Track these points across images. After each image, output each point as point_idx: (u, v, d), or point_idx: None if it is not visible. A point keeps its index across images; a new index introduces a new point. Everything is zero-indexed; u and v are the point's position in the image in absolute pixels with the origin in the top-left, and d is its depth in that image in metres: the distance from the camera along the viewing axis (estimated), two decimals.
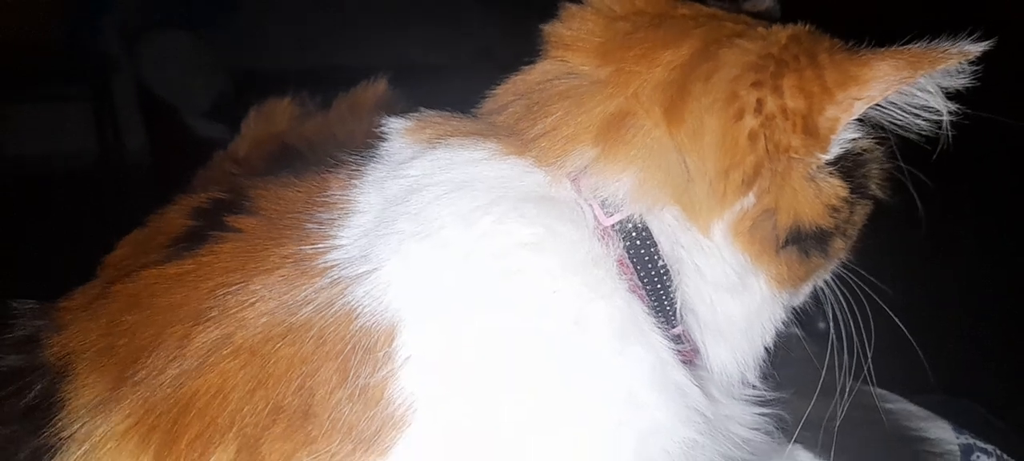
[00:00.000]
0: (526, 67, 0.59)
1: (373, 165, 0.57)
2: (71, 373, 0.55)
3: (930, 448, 0.84)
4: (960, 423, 0.86)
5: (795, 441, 0.70)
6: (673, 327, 0.55)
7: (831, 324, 0.57)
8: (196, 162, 0.70)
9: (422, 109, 0.59)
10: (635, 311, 0.52)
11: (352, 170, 0.57)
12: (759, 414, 0.57)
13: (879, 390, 0.74)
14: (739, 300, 0.55)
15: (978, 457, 0.83)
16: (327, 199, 0.56)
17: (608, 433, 0.49)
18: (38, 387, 0.56)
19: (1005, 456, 0.84)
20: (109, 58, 1.21)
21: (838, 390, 0.58)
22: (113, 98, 1.27)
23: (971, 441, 0.85)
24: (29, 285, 0.60)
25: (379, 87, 0.72)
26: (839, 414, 0.58)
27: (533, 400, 0.49)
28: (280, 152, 0.65)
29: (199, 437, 0.49)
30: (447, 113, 0.59)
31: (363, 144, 0.62)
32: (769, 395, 0.58)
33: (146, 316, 0.55)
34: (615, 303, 0.51)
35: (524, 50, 0.60)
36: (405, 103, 0.70)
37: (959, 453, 0.84)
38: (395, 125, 0.58)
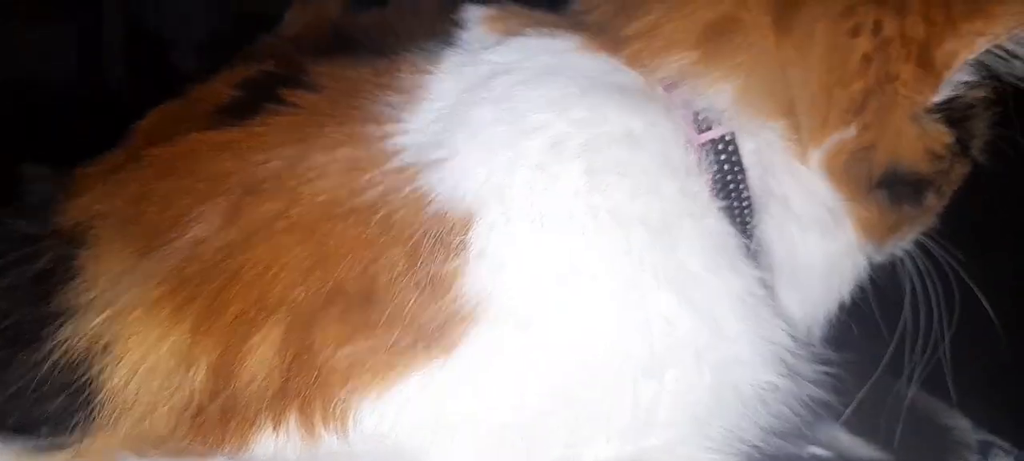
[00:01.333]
0: None
1: (450, 51, 0.53)
2: (91, 240, 0.50)
3: (953, 437, 0.83)
4: (976, 421, 0.85)
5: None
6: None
7: (908, 301, 0.54)
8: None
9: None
10: (728, 234, 0.48)
11: (426, 55, 0.53)
12: (823, 372, 0.54)
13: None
14: (824, 241, 0.52)
15: (997, 453, 0.82)
16: (398, 82, 0.52)
17: (686, 363, 0.46)
18: (50, 254, 0.50)
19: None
20: None
21: (906, 374, 0.55)
22: (101, 23, 1.20)
23: (989, 438, 0.84)
24: None
25: None
26: (908, 432, 0.55)
27: (613, 310, 0.46)
28: (335, 39, 0.60)
29: (244, 314, 0.45)
30: (530, 9, 0.55)
31: (427, 40, 0.58)
32: (831, 355, 0.55)
33: (185, 184, 0.50)
34: (710, 221, 0.48)
35: None
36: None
37: (977, 448, 0.83)
38: (475, 13, 0.54)
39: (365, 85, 0.53)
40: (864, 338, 0.61)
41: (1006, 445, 0.83)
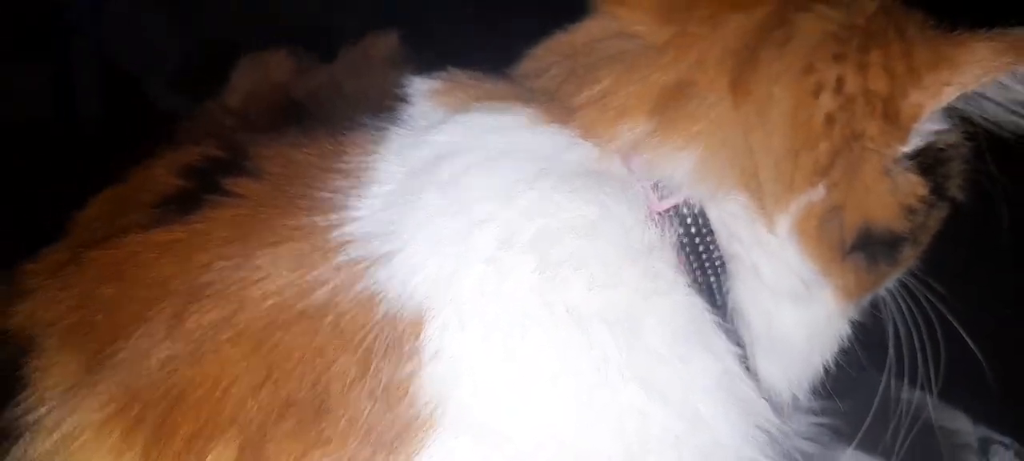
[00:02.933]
0: (570, 26, 0.54)
1: (395, 130, 0.52)
2: (38, 348, 0.50)
3: (954, 439, 0.83)
4: (974, 415, 0.85)
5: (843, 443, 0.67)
6: (726, 321, 0.51)
7: (891, 339, 0.53)
8: (156, 136, 0.63)
9: (449, 68, 0.54)
10: (696, 307, 0.47)
11: (371, 134, 0.52)
12: (815, 424, 0.54)
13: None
14: (801, 313, 0.50)
15: (997, 449, 0.83)
16: (343, 165, 0.51)
17: (665, 455, 0.45)
18: None
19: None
20: (71, 21, 1.13)
21: (896, 408, 0.54)
22: (72, 63, 1.18)
23: (988, 433, 0.84)
24: None
25: (390, 40, 0.66)
26: (903, 437, 0.55)
27: (580, 411, 0.45)
28: (284, 105, 0.59)
29: (196, 435, 0.44)
30: (478, 74, 0.54)
31: (376, 102, 0.56)
32: (824, 405, 0.54)
33: (128, 289, 0.49)
34: (675, 300, 0.47)
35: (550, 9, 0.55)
36: (418, 62, 0.64)
37: (977, 445, 0.83)
38: (420, 86, 0.53)
39: (310, 169, 0.52)
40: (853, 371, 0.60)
41: (1006, 440, 0.83)
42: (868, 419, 0.59)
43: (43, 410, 0.48)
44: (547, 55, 0.54)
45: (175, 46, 1.14)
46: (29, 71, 1.13)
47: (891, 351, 0.55)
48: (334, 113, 0.56)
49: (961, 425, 0.80)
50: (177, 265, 0.49)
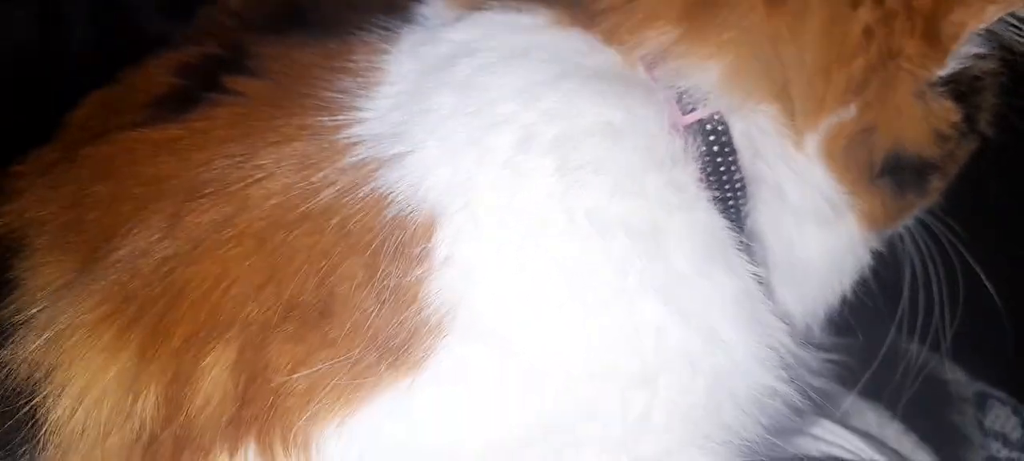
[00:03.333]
0: None
1: (408, 28, 0.49)
2: (27, 248, 0.48)
3: (951, 390, 0.82)
4: (971, 371, 0.85)
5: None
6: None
7: (907, 280, 0.51)
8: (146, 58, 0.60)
9: None
10: (720, 228, 0.46)
11: (382, 33, 0.49)
12: (827, 360, 0.52)
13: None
14: (823, 237, 0.49)
15: (993, 404, 0.82)
16: (351, 64, 0.48)
17: (679, 371, 0.44)
18: None
19: (1021, 406, 0.83)
20: None
21: (908, 356, 0.53)
22: None
23: (985, 388, 0.84)
24: None
25: None
26: (907, 387, 0.54)
27: (596, 322, 0.43)
28: (283, 9, 0.56)
29: (194, 335, 0.42)
30: None
31: (384, 9, 0.54)
32: (836, 340, 0.53)
33: (123, 187, 0.47)
34: (699, 215, 0.45)
35: None
36: None
37: (974, 399, 0.83)
38: None
39: (316, 69, 0.49)
40: (864, 313, 0.59)
41: (1002, 395, 0.82)
42: (874, 365, 0.57)
43: (34, 310, 0.46)
44: None
45: None
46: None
47: (906, 293, 0.53)
48: (340, 18, 0.54)
49: (959, 377, 0.79)
50: (175, 163, 0.47)
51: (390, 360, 0.43)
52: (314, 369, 0.42)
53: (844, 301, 0.55)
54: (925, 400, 0.77)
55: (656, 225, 0.43)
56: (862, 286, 0.56)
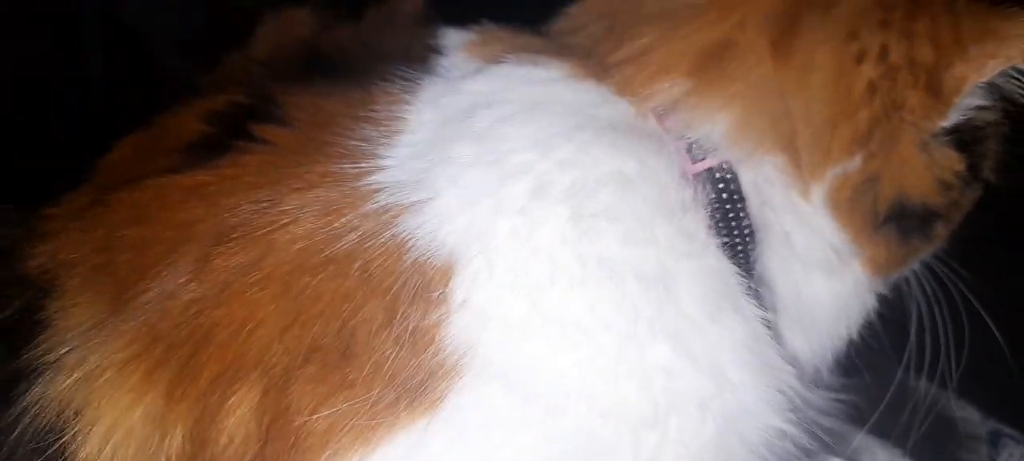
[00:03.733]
0: None
1: (428, 79, 0.51)
2: (59, 289, 0.49)
3: (963, 429, 0.83)
4: (985, 407, 0.85)
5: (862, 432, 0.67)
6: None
7: (913, 321, 0.53)
8: (162, 99, 0.62)
9: (485, 22, 0.54)
10: (729, 273, 0.47)
11: (403, 83, 0.52)
12: (836, 400, 0.53)
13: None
14: (829, 283, 0.51)
15: (1006, 443, 0.82)
16: (373, 113, 0.50)
17: (690, 414, 0.45)
18: (17, 303, 0.50)
19: None
20: None
21: (918, 395, 0.54)
22: (79, 25, 1.17)
23: (998, 426, 0.84)
24: None
25: (416, 1, 0.66)
26: (917, 425, 0.55)
27: (607, 365, 0.45)
28: (310, 57, 0.58)
29: (220, 376, 0.44)
30: (513, 30, 0.53)
31: (403, 58, 0.56)
32: (845, 381, 0.54)
33: (154, 231, 0.49)
34: (708, 262, 0.46)
35: None
36: (444, 21, 0.64)
37: (987, 438, 0.83)
38: (454, 38, 0.53)
39: (340, 118, 0.51)
40: (871, 353, 0.60)
41: (1016, 434, 0.83)
42: (883, 404, 0.58)
43: (64, 350, 0.47)
44: (583, 13, 0.54)
45: (185, 5, 1.13)
46: (35, 32, 1.12)
47: (912, 336, 0.54)
48: (361, 67, 0.56)
49: (971, 415, 0.80)
50: (204, 208, 0.49)
51: (408, 401, 0.44)
52: (334, 409, 0.43)
53: (852, 342, 0.56)
54: (936, 439, 0.77)
55: (666, 271, 0.45)
56: (869, 327, 0.57)
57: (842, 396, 0.56)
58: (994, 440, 0.79)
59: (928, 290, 0.54)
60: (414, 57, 0.56)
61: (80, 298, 0.49)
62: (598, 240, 0.44)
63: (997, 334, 0.53)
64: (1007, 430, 0.79)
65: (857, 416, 0.63)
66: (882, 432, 0.69)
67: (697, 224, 0.47)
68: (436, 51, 0.53)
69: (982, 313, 0.52)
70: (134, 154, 0.55)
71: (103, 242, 0.50)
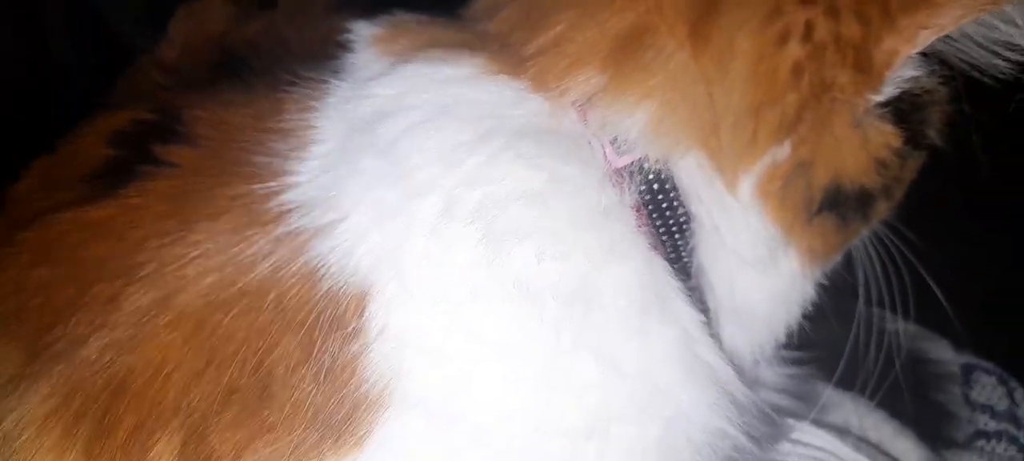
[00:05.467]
0: None
1: (335, 82, 0.49)
2: None
3: (933, 369, 0.83)
4: (959, 341, 0.85)
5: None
6: (689, 281, 0.49)
7: (861, 290, 0.51)
8: (124, 71, 0.61)
9: (396, 11, 0.51)
10: (656, 272, 0.46)
11: (310, 88, 0.49)
12: (793, 372, 0.53)
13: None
14: (763, 279, 0.49)
15: (978, 376, 0.82)
16: (281, 124, 0.49)
17: (629, 420, 0.44)
18: None
19: (1007, 376, 0.83)
20: None
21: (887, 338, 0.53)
22: (38, 5, 1.14)
23: (972, 360, 0.84)
24: None
25: None
26: (878, 373, 0.54)
27: (536, 386, 0.44)
28: (220, 59, 0.56)
29: (138, 428, 0.44)
30: (426, 18, 0.51)
31: (320, 51, 0.54)
32: (796, 355, 0.53)
33: (63, 271, 0.48)
34: (633, 265, 0.45)
35: None
36: (363, 3, 0.61)
37: (960, 373, 0.83)
38: (363, 32, 0.50)
39: (247, 131, 0.50)
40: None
41: (988, 365, 0.83)
42: (843, 360, 0.58)
43: None
44: None
45: None
46: None
47: (860, 295, 0.53)
48: (274, 64, 0.54)
49: (944, 354, 0.80)
50: (111, 244, 0.48)
51: (332, 439, 0.44)
52: (256, 455, 0.43)
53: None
54: (909, 380, 0.77)
55: (586, 283, 0.44)
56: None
57: (797, 370, 0.55)
58: (967, 374, 0.79)
59: (872, 253, 0.53)
60: (328, 51, 0.53)
61: None
62: (511, 260, 0.43)
63: (942, 300, 0.52)
64: (981, 362, 0.79)
65: (826, 367, 0.63)
66: (850, 382, 0.69)
67: (623, 225, 0.46)
68: (345, 47, 0.51)
69: (926, 277, 0.51)
70: (41, 184, 0.53)
71: (14, 285, 0.49)
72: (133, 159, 0.50)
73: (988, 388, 0.78)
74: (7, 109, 1.02)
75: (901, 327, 0.80)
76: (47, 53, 1.17)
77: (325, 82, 0.50)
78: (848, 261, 0.55)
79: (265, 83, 0.52)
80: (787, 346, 0.55)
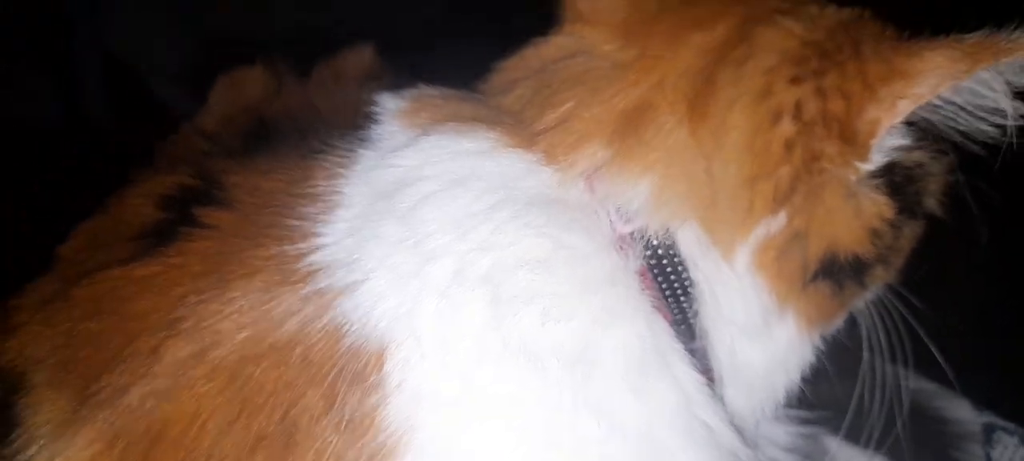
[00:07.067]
0: (540, 39, 0.55)
1: (362, 151, 0.54)
2: (27, 386, 0.54)
3: (953, 429, 0.84)
4: (979, 401, 0.86)
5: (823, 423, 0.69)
6: (694, 341, 0.53)
7: (866, 348, 0.54)
8: (160, 130, 0.66)
9: (420, 85, 0.56)
10: (658, 334, 0.49)
11: (339, 156, 0.54)
12: (795, 433, 0.55)
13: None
14: (760, 346, 0.52)
15: (999, 436, 0.84)
16: (311, 190, 0.53)
17: None
18: None
19: None
20: (72, 21, 1.17)
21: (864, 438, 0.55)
22: (74, 62, 1.23)
23: (992, 420, 0.85)
24: None
25: (365, 55, 0.68)
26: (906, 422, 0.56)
27: (540, 444, 0.48)
28: (256, 128, 0.61)
29: None
30: (447, 92, 0.56)
31: (350, 121, 0.59)
32: (804, 414, 0.56)
33: (110, 324, 0.53)
34: (635, 327, 0.49)
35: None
36: (394, 73, 0.66)
37: (981, 432, 0.84)
38: (389, 105, 0.55)
39: (279, 196, 0.54)
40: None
41: (1009, 425, 0.84)
42: (849, 414, 0.60)
43: (33, 448, 0.51)
44: (515, 70, 0.55)
45: (176, 40, 1.18)
46: (32, 70, 1.17)
47: (864, 362, 0.56)
48: (306, 132, 0.59)
49: (965, 414, 0.81)
50: (155, 299, 0.52)
51: None
52: None
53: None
54: (929, 438, 0.79)
55: (588, 346, 0.47)
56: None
57: (805, 429, 0.58)
58: (988, 434, 0.81)
59: (874, 315, 0.55)
60: (359, 120, 0.58)
61: (47, 394, 0.53)
62: (517, 323, 0.47)
63: (943, 364, 0.54)
64: (1001, 422, 0.81)
65: (837, 427, 0.65)
66: (865, 440, 0.71)
67: (627, 289, 0.49)
68: (372, 119, 0.55)
69: (927, 342, 0.54)
70: (90, 242, 0.58)
71: (65, 337, 0.54)
72: (177, 221, 0.55)
73: (1010, 448, 0.79)
74: (45, 161, 1.09)
75: (920, 386, 0.82)
76: (83, 109, 1.24)
77: (352, 151, 0.55)
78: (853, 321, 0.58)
79: (297, 151, 0.57)
80: (795, 405, 0.57)
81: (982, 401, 0.83)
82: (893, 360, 0.55)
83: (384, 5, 1.10)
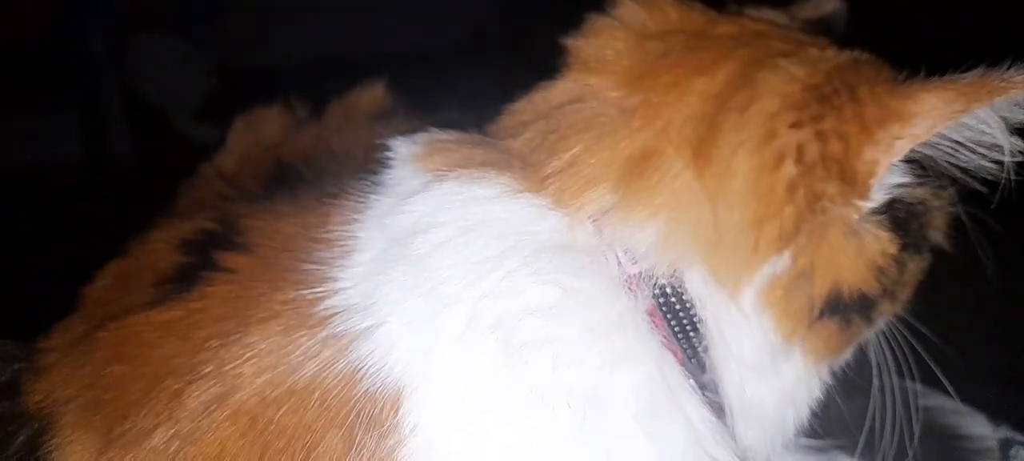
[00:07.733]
0: (547, 82, 0.57)
1: (375, 196, 0.56)
2: (55, 427, 0.56)
3: (968, 445, 0.85)
4: (997, 415, 0.86)
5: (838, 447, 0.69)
6: (704, 374, 0.54)
7: (875, 377, 0.55)
8: (186, 167, 0.69)
9: (432, 129, 0.58)
10: (668, 374, 0.51)
11: (354, 201, 0.56)
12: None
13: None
14: (768, 383, 0.54)
15: (1017, 452, 0.84)
16: (326, 235, 0.55)
17: None
18: (21, 439, 0.56)
19: None
20: (94, 62, 1.20)
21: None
22: (99, 104, 1.26)
23: (1010, 435, 0.85)
24: (15, 306, 0.60)
25: (376, 91, 0.70)
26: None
27: None
28: (274, 170, 0.63)
29: None
30: (459, 136, 0.57)
31: (363, 160, 0.60)
32: (817, 443, 0.57)
33: (134, 368, 0.55)
34: (645, 368, 0.50)
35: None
36: (405, 104, 0.68)
37: (998, 448, 0.85)
38: (402, 150, 0.57)
39: (296, 240, 0.56)
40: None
41: None
42: (863, 435, 0.61)
43: None
44: (524, 114, 0.57)
45: (197, 76, 1.21)
46: (56, 111, 1.21)
47: (875, 388, 0.57)
48: (322, 175, 0.61)
49: (981, 429, 0.82)
50: (177, 343, 0.54)
51: None
52: None
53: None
54: (944, 454, 0.80)
55: (598, 388, 0.49)
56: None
57: (819, 458, 0.59)
58: (1005, 449, 0.81)
59: (882, 343, 0.56)
60: (369, 161, 0.60)
61: (74, 435, 0.55)
62: (528, 369, 0.49)
63: (951, 392, 0.55)
64: (1018, 436, 0.81)
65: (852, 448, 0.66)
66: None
67: (635, 330, 0.51)
68: (385, 163, 0.57)
69: (938, 373, 0.55)
70: (115, 284, 0.61)
71: (91, 380, 0.56)
72: (198, 265, 0.57)
73: None
74: (70, 200, 1.12)
75: (936, 402, 0.82)
76: (108, 148, 1.27)
77: (367, 196, 0.56)
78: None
79: (314, 195, 0.59)
80: (807, 433, 0.59)
81: (998, 415, 0.83)
82: (902, 376, 0.56)
83: (401, 31, 1.13)
